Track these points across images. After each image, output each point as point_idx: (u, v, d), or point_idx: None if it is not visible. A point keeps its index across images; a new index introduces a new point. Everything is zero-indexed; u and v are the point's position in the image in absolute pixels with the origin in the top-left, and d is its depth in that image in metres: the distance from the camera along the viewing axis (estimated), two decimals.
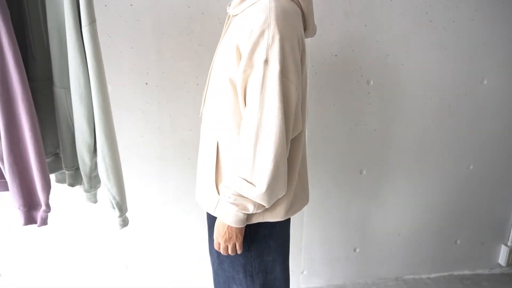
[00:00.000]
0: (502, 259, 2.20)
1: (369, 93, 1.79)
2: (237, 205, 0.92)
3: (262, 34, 0.84)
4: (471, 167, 2.01)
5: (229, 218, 0.94)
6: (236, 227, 0.96)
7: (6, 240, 1.72)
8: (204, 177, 1.05)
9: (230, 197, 0.92)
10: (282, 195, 0.95)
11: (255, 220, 1.00)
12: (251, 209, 0.92)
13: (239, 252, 1.01)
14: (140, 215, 1.77)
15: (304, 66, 0.98)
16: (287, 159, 0.93)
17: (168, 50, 1.57)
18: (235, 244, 0.99)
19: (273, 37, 0.84)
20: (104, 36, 1.52)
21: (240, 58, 0.89)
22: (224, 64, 0.95)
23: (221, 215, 0.97)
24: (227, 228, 0.96)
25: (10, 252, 1.75)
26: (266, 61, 0.85)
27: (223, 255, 1.07)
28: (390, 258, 2.10)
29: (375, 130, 1.86)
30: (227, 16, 1.06)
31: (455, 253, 2.16)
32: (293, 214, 1.07)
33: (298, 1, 0.93)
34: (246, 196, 0.90)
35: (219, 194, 1.00)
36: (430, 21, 1.73)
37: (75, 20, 0.93)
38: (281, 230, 1.11)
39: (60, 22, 0.96)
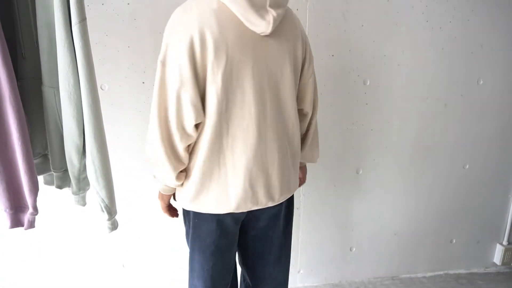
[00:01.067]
0: (497, 258, 2.21)
1: (365, 93, 1.80)
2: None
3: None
4: (467, 166, 2.02)
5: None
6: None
7: (3, 240, 1.72)
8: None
9: None
10: (164, 172, 1.02)
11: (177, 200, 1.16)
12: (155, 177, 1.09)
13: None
14: (137, 213, 1.76)
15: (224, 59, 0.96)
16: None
17: None
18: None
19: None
20: (101, 34, 1.51)
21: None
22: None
23: None
24: None
25: (7, 253, 1.74)
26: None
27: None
28: (386, 257, 2.11)
29: (372, 129, 1.86)
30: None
31: (450, 252, 2.17)
32: (204, 209, 1.08)
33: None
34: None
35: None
36: (427, 21, 1.74)
37: (65, 18, 0.90)
38: (200, 225, 1.13)
39: (50, 20, 0.94)
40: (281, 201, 1.15)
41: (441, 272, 2.20)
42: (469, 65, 1.84)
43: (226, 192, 1.05)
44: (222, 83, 0.95)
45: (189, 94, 0.94)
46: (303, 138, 1.26)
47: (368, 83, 1.78)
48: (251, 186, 1.05)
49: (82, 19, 0.91)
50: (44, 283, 1.82)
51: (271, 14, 0.95)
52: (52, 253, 1.78)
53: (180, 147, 0.99)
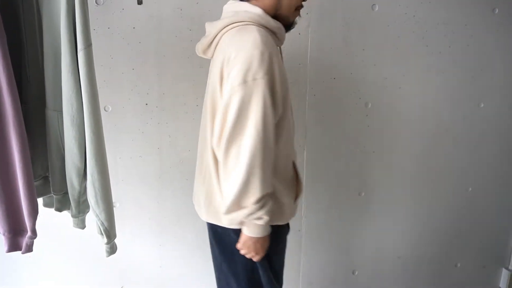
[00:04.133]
0: (503, 283, 2.17)
1: (367, 115, 1.81)
2: None
3: None
4: (470, 189, 2.01)
5: None
6: None
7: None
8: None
9: None
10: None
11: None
12: None
13: None
14: (139, 235, 1.75)
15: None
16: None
17: (169, 71, 1.59)
18: None
19: None
20: (106, 57, 1.54)
21: None
22: None
23: None
24: None
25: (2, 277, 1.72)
26: None
27: None
28: (389, 281, 2.07)
29: (374, 152, 1.86)
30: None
31: (455, 276, 2.13)
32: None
33: None
34: None
35: None
36: (427, 45, 1.76)
37: (71, 43, 0.92)
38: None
39: (56, 45, 0.96)
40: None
41: None
42: (470, 88, 1.86)
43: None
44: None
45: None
46: None
47: (369, 106, 1.80)
48: None
49: (88, 45, 0.93)
50: None
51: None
52: (50, 276, 1.76)
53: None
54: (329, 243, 1.95)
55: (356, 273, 2.02)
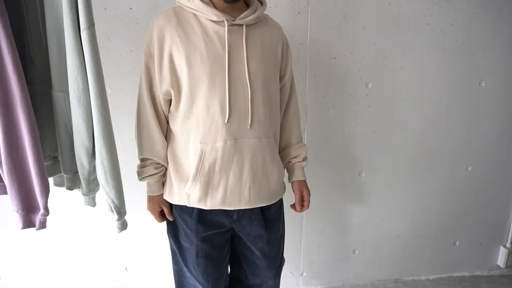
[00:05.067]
0: (501, 260, 2.20)
1: (367, 95, 1.80)
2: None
3: None
4: (470, 168, 2.02)
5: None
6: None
7: (6, 242, 1.72)
8: (274, 176, 1.18)
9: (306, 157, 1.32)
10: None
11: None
12: None
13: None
14: (140, 217, 1.76)
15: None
16: None
17: None
18: None
19: None
20: (103, 39, 1.52)
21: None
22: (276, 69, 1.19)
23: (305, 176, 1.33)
24: None
25: (10, 255, 1.74)
26: None
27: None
28: (389, 260, 2.11)
29: (374, 132, 1.86)
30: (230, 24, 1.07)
31: (454, 254, 2.17)
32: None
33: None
34: None
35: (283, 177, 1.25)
36: (428, 24, 1.74)
37: (74, 24, 0.92)
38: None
39: (59, 25, 0.96)
40: None
41: (444, 275, 2.19)
42: (471, 67, 1.84)
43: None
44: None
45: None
46: None
47: (370, 86, 1.79)
48: None
49: (91, 25, 0.93)
50: (48, 282, 1.82)
51: None
52: (56, 257, 1.78)
53: None
54: (329, 223, 1.97)
55: (357, 252, 2.05)
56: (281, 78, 1.22)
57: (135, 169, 1.20)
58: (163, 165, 1.18)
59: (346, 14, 1.67)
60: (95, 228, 1.75)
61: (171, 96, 1.11)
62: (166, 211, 1.22)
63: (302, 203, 1.32)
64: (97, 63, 0.95)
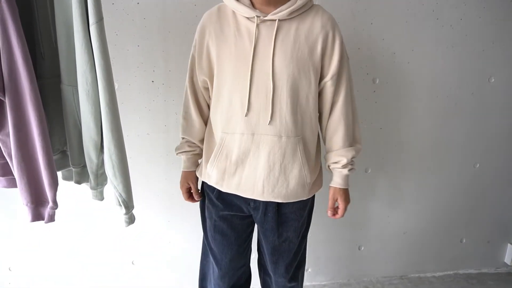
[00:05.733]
0: (508, 258, 2.19)
1: (374, 91, 1.79)
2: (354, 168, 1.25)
3: None
4: (477, 165, 2.00)
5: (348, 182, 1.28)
6: None
7: (15, 236, 1.74)
8: (294, 176, 1.16)
9: (353, 165, 1.23)
10: None
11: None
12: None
13: None
14: (147, 212, 1.78)
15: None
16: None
17: (174, 48, 1.58)
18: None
19: None
20: (111, 34, 1.53)
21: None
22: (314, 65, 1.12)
23: (347, 184, 1.27)
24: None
25: (19, 248, 1.77)
26: None
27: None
28: (395, 256, 2.10)
29: (381, 128, 1.85)
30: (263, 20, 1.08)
31: (460, 251, 2.16)
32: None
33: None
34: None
35: (310, 180, 1.20)
36: (437, 18, 1.72)
37: (83, 18, 0.93)
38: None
39: (68, 20, 0.96)
40: None
41: (451, 272, 2.18)
42: (480, 62, 1.82)
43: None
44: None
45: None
46: None
47: (377, 82, 1.77)
48: None
49: (100, 19, 0.93)
50: (56, 279, 1.84)
51: None
52: (64, 250, 1.80)
53: None
54: (335, 219, 1.96)
55: (362, 248, 2.05)
56: (323, 76, 1.14)
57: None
58: (198, 146, 1.29)
59: (354, 9, 1.65)
60: (102, 222, 1.77)
61: (208, 85, 1.20)
62: (193, 188, 1.31)
63: (335, 211, 1.28)
64: (106, 57, 0.96)
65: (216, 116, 1.17)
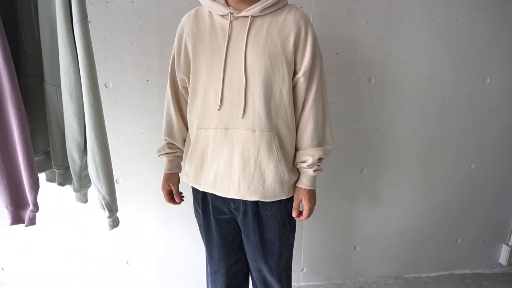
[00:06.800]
0: (503, 258, 2.19)
1: (370, 91, 1.79)
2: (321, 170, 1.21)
3: None
4: (473, 166, 2.00)
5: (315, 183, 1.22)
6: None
7: (8, 235, 1.73)
8: (270, 172, 1.14)
9: (320, 166, 1.19)
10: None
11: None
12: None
13: None
14: (141, 211, 1.77)
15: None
16: None
17: (169, 47, 1.57)
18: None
19: None
20: (105, 32, 1.52)
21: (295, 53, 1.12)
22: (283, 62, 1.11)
23: (313, 185, 1.21)
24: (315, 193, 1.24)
25: (12, 248, 1.76)
26: None
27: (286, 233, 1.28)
28: (390, 256, 2.10)
29: (376, 128, 1.85)
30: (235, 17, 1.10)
31: (456, 252, 2.16)
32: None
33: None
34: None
35: (288, 178, 1.17)
36: (433, 18, 1.72)
37: (66, 16, 0.91)
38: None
39: (52, 18, 0.94)
40: None
41: (446, 272, 2.18)
42: (476, 63, 1.82)
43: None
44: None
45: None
46: None
47: (373, 81, 1.77)
48: None
49: (84, 17, 0.91)
50: (50, 279, 1.84)
51: None
52: (56, 250, 1.79)
53: None
54: (330, 219, 1.97)
55: (358, 248, 2.05)
56: (296, 72, 1.13)
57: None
58: (179, 148, 1.30)
59: (350, 9, 1.65)
60: (97, 221, 1.76)
61: (186, 84, 1.22)
62: (174, 190, 1.31)
63: (300, 212, 1.23)
64: (90, 57, 0.94)
65: (192, 114, 1.19)
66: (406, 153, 1.92)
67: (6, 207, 0.99)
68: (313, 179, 1.20)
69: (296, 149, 1.21)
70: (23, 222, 1.02)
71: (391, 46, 1.73)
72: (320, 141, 1.19)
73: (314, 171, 1.17)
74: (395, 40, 1.72)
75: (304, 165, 1.18)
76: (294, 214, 1.23)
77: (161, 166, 1.71)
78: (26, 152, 0.93)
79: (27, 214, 1.01)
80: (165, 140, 1.29)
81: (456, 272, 2.19)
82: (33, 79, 1.05)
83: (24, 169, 0.95)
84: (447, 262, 2.17)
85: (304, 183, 1.20)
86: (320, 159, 1.18)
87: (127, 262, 1.86)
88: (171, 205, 1.78)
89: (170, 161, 1.29)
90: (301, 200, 1.21)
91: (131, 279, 1.89)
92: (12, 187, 0.97)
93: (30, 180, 0.95)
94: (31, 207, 0.99)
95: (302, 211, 1.22)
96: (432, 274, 2.17)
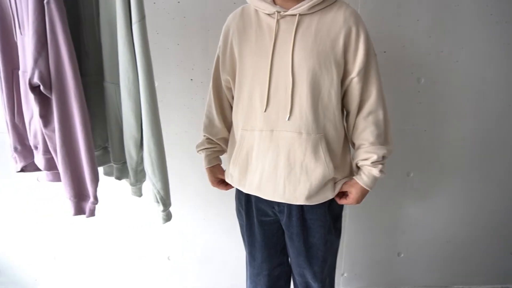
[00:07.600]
0: None
1: (419, 91, 1.70)
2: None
3: None
4: None
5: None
6: None
7: (60, 227, 1.83)
8: (317, 176, 1.09)
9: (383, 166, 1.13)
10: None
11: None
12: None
13: None
14: (183, 209, 1.80)
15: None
16: None
17: (214, 46, 1.57)
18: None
19: None
20: (152, 32, 1.54)
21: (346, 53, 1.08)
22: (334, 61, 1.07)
23: (371, 186, 1.14)
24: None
25: (63, 239, 1.85)
26: None
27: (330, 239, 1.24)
28: (437, 265, 2.00)
29: (425, 130, 1.76)
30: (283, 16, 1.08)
31: (510, 264, 2.01)
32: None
33: None
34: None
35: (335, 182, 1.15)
36: (491, 14, 1.61)
37: (126, 17, 0.94)
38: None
39: (112, 19, 0.98)
40: None
41: (499, 286, 2.04)
42: None
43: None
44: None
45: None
46: None
47: (422, 81, 1.69)
48: None
49: (142, 18, 0.95)
50: (93, 271, 1.91)
51: None
52: (99, 245, 1.86)
53: None
54: (374, 223, 1.90)
55: (402, 255, 1.97)
56: (349, 72, 1.09)
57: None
58: (218, 143, 1.30)
59: (400, 5, 1.58)
60: (139, 218, 1.81)
61: (231, 85, 1.21)
62: (224, 178, 1.30)
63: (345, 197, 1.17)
64: (147, 56, 0.97)
65: (237, 115, 1.17)
66: (457, 157, 1.81)
67: (70, 198, 1.05)
68: (374, 180, 1.13)
69: (355, 149, 1.17)
70: (84, 213, 1.07)
71: (444, 44, 1.64)
72: (383, 140, 1.14)
73: (379, 171, 1.11)
74: (448, 37, 1.63)
75: (368, 162, 1.12)
76: (337, 198, 1.18)
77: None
78: (88, 147, 0.98)
79: (88, 206, 1.07)
80: (205, 136, 1.31)
81: (511, 286, 2.04)
82: (94, 78, 1.09)
83: (85, 163, 1.00)
84: (501, 275, 2.03)
85: (363, 180, 1.13)
86: (383, 158, 1.12)
87: (168, 258, 1.90)
88: (212, 203, 1.81)
89: (208, 155, 1.30)
90: (349, 194, 1.16)
91: (171, 274, 1.93)
92: (75, 179, 1.03)
93: (91, 174, 1.01)
94: (91, 199, 1.05)
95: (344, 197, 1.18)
96: (483, 287, 2.03)
